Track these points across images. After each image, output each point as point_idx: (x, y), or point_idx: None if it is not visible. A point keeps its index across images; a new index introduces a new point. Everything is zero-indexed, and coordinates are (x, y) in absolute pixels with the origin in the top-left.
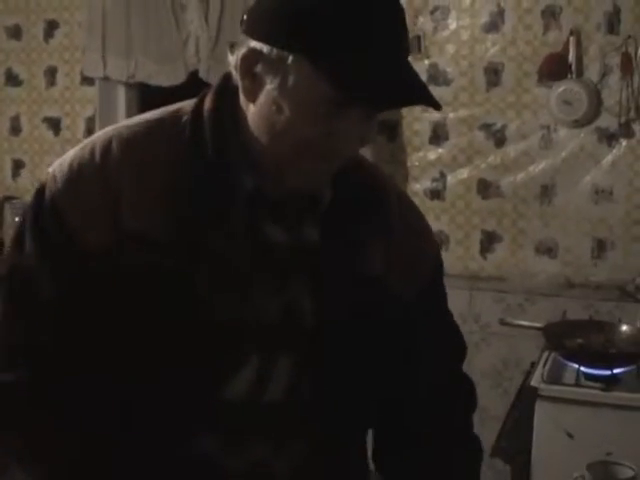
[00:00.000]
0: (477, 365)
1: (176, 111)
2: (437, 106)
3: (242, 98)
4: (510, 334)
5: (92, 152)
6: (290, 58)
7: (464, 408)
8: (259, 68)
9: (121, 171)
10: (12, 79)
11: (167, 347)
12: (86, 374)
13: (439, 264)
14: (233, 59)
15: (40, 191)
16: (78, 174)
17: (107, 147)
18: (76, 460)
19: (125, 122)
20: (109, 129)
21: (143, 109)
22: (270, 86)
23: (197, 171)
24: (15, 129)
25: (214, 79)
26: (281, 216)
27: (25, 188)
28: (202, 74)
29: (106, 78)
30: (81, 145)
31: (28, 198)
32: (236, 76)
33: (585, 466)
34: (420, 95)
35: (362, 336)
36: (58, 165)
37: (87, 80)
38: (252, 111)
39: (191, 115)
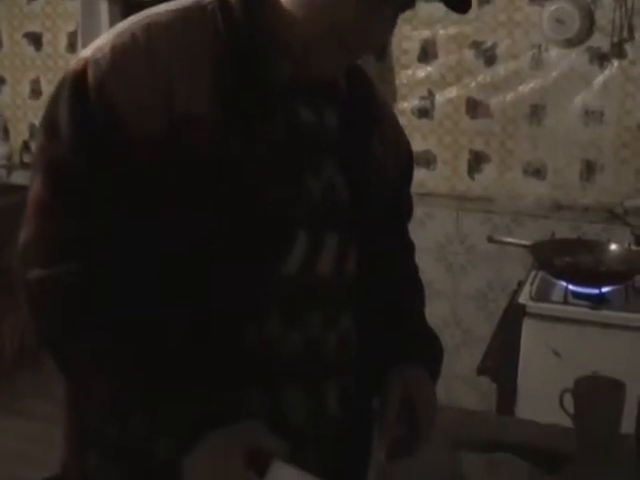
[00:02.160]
0: (463, 287)
1: (196, 1)
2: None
3: None
4: (497, 256)
5: (134, 37)
6: None
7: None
8: None
9: (168, 55)
10: None
11: (224, 230)
12: (141, 264)
13: (411, 148)
14: None
15: (78, 77)
16: (124, 58)
17: (148, 32)
18: (143, 357)
19: (151, 10)
20: (137, 17)
21: None
22: None
23: (235, 57)
24: None
25: None
26: (308, 101)
27: (6, 104)
28: None
29: None
30: (114, 32)
31: (9, 114)
32: None
33: (573, 382)
34: None
35: (379, 210)
36: (97, 50)
37: None
38: None
39: (217, 3)
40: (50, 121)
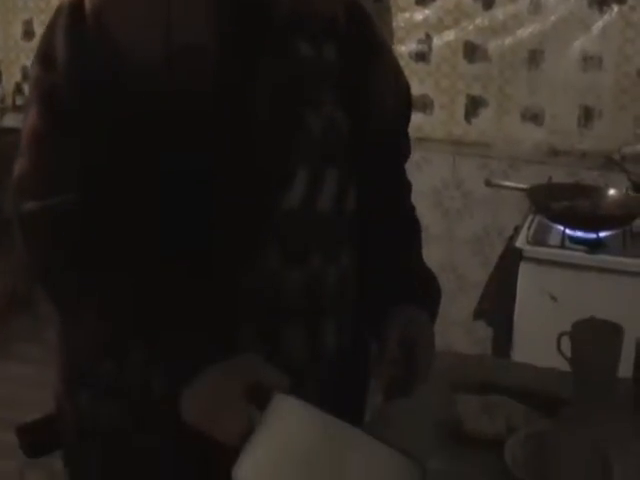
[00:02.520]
0: (459, 232)
1: None
2: None
3: None
4: (493, 201)
5: None
6: None
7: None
8: None
9: None
10: None
11: (223, 164)
12: (140, 198)
13: (409, 88)
14: None
15: (75, 6)
16: None
17: None
18: (140, 290)
19: None
20: None
21: None
22: None
23: None
24: None
25: None
26: (308, 36)
27: None
28: None
29: None
30: None
31: (1, 56)
32: None
33: (570, 326)
34: None
35: (379, 148)
36: None
37: None
38: None
39: None
40: (46, 51)
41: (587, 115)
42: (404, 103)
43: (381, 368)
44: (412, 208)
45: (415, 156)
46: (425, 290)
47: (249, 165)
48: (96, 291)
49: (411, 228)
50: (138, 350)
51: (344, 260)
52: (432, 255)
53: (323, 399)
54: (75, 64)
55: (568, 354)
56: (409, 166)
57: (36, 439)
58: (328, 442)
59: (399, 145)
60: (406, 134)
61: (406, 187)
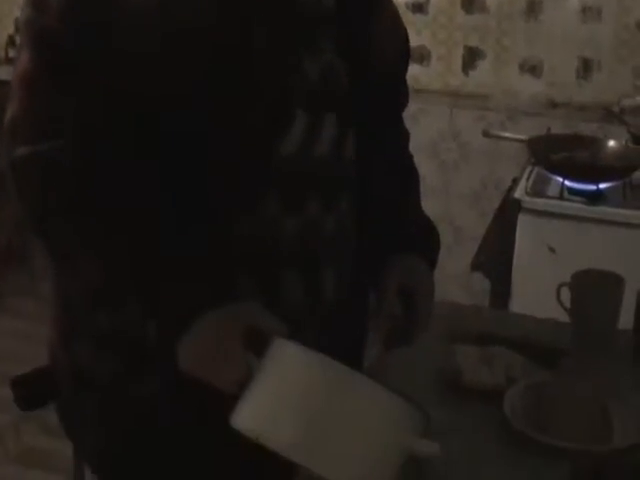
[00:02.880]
0: (455, 185)
1: None
2: None
3: None
4: (491, 153)
5: None
6: None
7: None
8: None
9: None
10: None
11: (223, 110)
12: (135, 141)
13: (408, 36)
14: None
15: None
16: None
17: None
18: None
19: None
20: None
21: None
22: None
23: None
24: None
25: None
26: None
27: None
28: None
29: None
30: None
31: None
32: None
33: (569, 278)
34: None
35: (378, 95)
36: None
37: None
38: None
39: None
40: None
41: (586, 67)
42: (403, 50)
43: (380, 318)
44: (410, 157)
45: (412, 108)
46: (424, 239)
47: (247, 109)
48: (90, 238)
49: (410, 176)
50: (132, 299)
51: (343, 207)
52: (429, 207)
53: (321, 350)
54: (70, 6)
55: (567, 305)
56: (406, 118)
57: (30, 392)
58: (327, 386)
59: (398, 92)
60: (404, 82)
61: (404, 135)
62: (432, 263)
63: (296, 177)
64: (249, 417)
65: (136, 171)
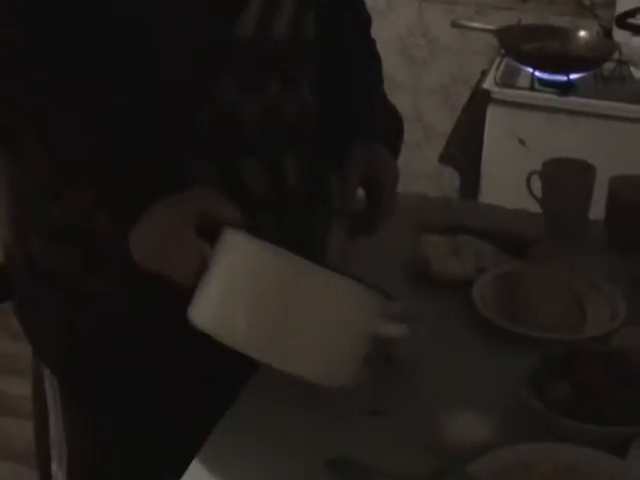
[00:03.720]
0: (424, 81)
1: None
2: None
3: None
4: (460, 48)
5: None
6: None
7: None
8: None
9: None
10: None
11: None
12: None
13: None
14: None
15: None
16: None
17: None
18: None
19: None
20: None
21: None
22: None
23: None
24: None
25: None
26: None
27: None
28: None
29: None
30: None
31: None
32: None
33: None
34: None
35: None
36: None
37: None
38: None
39: None
40: None
41: None
42: None
43: (343, 205)
44: (373, 42)
45: (379, 2)
46: (388, 123)
47: None
48: (38, 125)
49: (372, 61)
50: (83, 189)
51: (304, 90)
52: (397, 104)
53: (283, 233)
54: None
55: (538, 194)
56: (373, 13)
57: None
58: (281, 277)
59: None
60: None
61: (366, 18)
62: (396, 149)
63: (253, 58)
64: (203, 314)
65: (87, 58)
